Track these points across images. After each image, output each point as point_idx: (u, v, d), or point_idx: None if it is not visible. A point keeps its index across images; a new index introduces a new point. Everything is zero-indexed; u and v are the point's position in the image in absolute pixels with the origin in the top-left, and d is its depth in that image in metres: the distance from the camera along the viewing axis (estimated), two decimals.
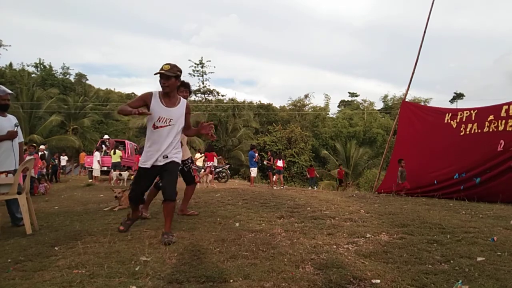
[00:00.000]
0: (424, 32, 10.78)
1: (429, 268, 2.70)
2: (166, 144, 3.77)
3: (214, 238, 3.68)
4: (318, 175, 24.60)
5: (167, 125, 3.76)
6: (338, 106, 55.96)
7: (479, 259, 2.87)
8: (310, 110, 47.48)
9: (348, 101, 56.00)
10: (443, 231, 3.91)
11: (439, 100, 70.47)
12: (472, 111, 8.83)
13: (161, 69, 3.68)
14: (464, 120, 8.94)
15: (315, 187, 19.81)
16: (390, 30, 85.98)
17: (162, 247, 3.35)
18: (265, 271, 2.67)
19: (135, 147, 21.89)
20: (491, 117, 8.26)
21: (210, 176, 13.96)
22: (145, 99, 3.76)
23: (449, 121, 9.29)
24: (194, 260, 2.98)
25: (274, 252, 3.14)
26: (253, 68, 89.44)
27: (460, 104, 51.35)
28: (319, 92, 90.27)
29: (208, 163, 15.02)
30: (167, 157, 3.78)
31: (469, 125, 8.70)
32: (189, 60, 36.84)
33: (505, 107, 7.98)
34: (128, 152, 20.01)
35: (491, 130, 8.13)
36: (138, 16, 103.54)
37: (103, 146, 19.32)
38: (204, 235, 3.81)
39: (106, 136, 20.58)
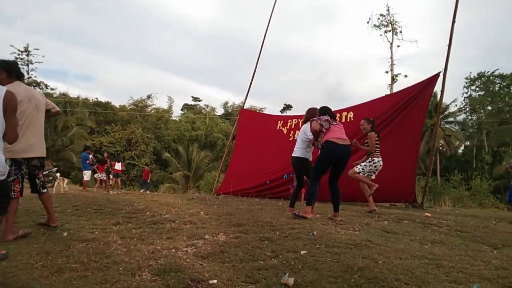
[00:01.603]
0: (261, 46, 11.79)
1: (261, 264, 2.92)
2: None
3: (36, 250, 3.22)
4: (150, 179, 23.21)
5: None
6: (182, 110, 56.22)
7: (302, 252, 3.24)
8: (152, 112, 46.42)
9: (191, 105, 56.81)
10: (273, 228, 4.28)
11: (272, 109, 77.53)
12: (299, 119, 10.01)
13: None
14: (293, 127, 10.09)
15: (147, 191, 19.15)
16: (231, 41, 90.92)
17: None
18: (97, 283, 2.46)
19: None
20: None
21: (66, 180, 13.21)
22: None
23: (280, 128, 10.36)
24: (9, 277, 2.54)
25: (108, 262, 2.92)
26: (90, 62, 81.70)
27: (289, 114, 57.66)
28: (162, 93, 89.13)
29: (100, 174, 14.84)
30: None
31: (297, 132, 9.84)
32: (12, 45, 31.60)
33: None
34: None
35: None
36: None
37: None
38: (23, 248, 3.29)
39: None
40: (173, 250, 3.33)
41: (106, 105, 44.47)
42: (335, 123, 5.36)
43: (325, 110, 5.58)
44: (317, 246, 3.48)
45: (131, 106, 46.03)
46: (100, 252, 3.20)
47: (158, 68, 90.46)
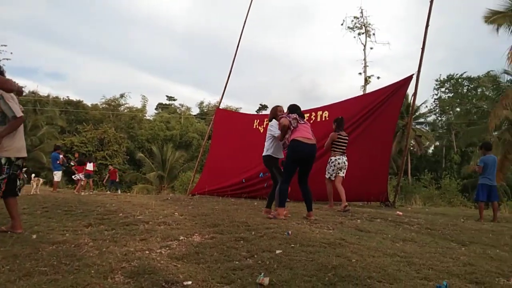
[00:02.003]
0: (237, 46, 11.77)
1: (236, 264, 2.91)
2: None
3: (3, 254, 3.09)
4: (118, 179, 22.50)
5: None
6: (156, 109, 55.36)
7: (277, 251, 3.25)
8: (125, 111, 45.57)
9: (166, 104, 56.04)
10: (248, 228, 4.28)
11: (248, 109, 77.78)
12: None
13: None
14: None
15: (118, 191, 18.75)
16: (207, 40, 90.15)
17: None
18: (68, 287, 2.39)
19: None
20: None
21: (42, 180, 12.76)
22: None
23: (257, 126, 10.37)
24: None
25: (79, 264, 2.84)
26: (61, 60, 79.09)
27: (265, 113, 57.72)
28: (136, 92, 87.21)
29: (79, 175, 14.99)
30: None
31: None
32: None
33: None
34: None
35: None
36: None
37: None
38: None
39: None
40: (147, 252, 3.27)
41: (78, 104, 43.40)
42: (302, 122, 5.48)
43: (295, 109, 5.71)
44: (292, 245, 3.51)
45: (104, 105, 45.02)
46: (71, 254, 3.11)
47: (132, 66, 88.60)
